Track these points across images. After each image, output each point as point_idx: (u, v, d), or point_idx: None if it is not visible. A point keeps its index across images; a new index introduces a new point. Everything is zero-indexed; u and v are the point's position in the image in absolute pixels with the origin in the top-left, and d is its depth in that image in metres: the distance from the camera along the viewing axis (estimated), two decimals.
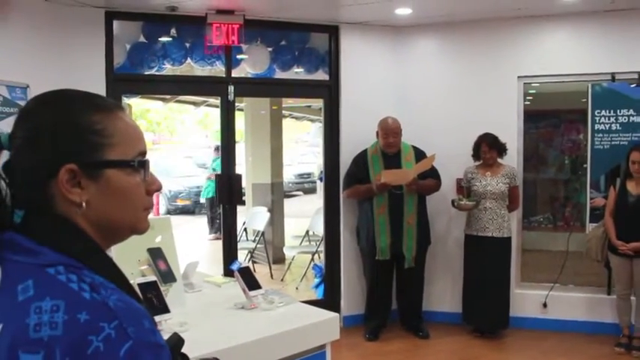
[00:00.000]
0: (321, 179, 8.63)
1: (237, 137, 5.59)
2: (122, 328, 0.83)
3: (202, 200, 11.23)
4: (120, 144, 0.96)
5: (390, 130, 5.05)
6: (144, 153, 1.01)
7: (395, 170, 4.95)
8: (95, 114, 0.95)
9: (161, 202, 12.07)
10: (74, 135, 0.93)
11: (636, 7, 4.90)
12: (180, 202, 12.33)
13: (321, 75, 5.71)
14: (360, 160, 5.16)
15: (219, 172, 10.09)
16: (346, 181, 5.28)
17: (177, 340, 1.09)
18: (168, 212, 11.58)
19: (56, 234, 0.92)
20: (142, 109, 16.29)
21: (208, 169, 10.46)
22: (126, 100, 5.91)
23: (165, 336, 1.02)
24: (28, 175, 0.93)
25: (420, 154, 5.09)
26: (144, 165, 1.00)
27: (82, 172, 0.93)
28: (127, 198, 0.98)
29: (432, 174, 5.09)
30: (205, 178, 10.54)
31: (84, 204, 0.93)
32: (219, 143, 10.91)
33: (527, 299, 5.36)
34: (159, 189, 1.04)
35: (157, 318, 1.79)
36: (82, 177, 0.93)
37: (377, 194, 4.96)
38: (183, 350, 1.11)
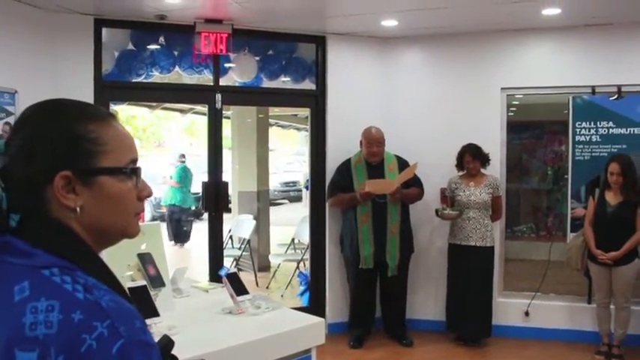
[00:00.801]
0: (307, 188, 8.67)
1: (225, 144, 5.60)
2: (114, 328, 0.86)
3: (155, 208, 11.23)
4: (113, 151, 1.00)
5: (373, 140, 5.09)
6: (135, 160, 1.04)
7: (379, 180, 4.99)
8: (89, 123, 0.99)
9: (147, 208, 12.01)
10: (69, 143, 0.96)
11: (616, 22, 5.01)
12: (165, 209, 12.27)
13: (308, 84, 5.75)
14: (344, 168, 5.20)
15: (177, 180, 10.12)
16: (330, 190, 5.31)
17: (167, 342, 1.12)
18: (154, 219, 11.54)
19: (51, 237, 0.95)
20: (127, 116, 16.23)
21: (173, 176, 10.38)
22: (113, 107, 5.91)
23: (156, 339, 1.05)
24: (24, 181, 0.96)
25: (403, 164, 5.14)
26: (136, 172, 1.03)
27: (76, 178, 0.96)
28: (119, 203, 1.01)
29: (415, 182, 5.14)
30: (168, 186, 10.42)
31: (78, 209, 0.96)
32: (183, 152, 10.92)
33: (509, 308, 5.42)
34: (149, 195, 1.08)
35: (146, 321, 1.81)
36: (76, 183, 0.96)
37: (360, 203, 5.00)
38: (172, 352, 1.14)
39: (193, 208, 11.53)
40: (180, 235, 10.27)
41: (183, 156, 10.63)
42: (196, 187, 10.62)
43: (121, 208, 1.02)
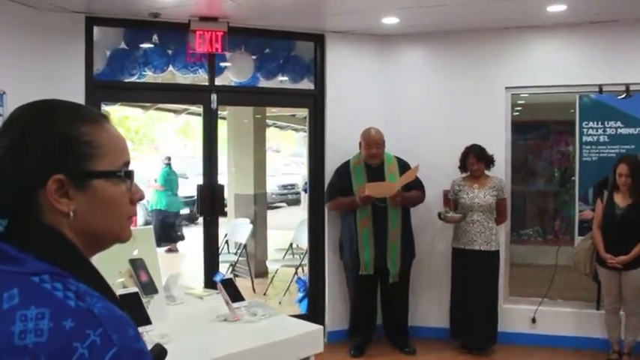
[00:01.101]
0: (305, 190, 8.66)
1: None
2: (107, 335, 0.86)
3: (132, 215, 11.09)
4: (107, 154, 1.01)
5: (372, 141, 5.10)
6: (128, 163, 1.05)
7: (379, 183, 4.99)
8: (83, 125, 0.99)
9: (139, 212, 12.00)
10: (63, 145, 0.97)
11: (621, 19, 5.02)
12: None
13: (306, 84, 5.78)
14: (343, 171, 5.21)
15: (161, 184, 10.07)
16: (329, 193, 5.32)
17: (160, 351, 1.12)
18: (147, 223, 11.53)
19: (42, 243, 0.95)
20: (120, 117, 16.25)
21: (158, 179, 10.33)
22: (104, 108, 5.92)
23: (148, 347, 1.05)
24: (13, 184, 0.96)
25: (403, 166, 5.15)
26: (130, 175, 1.04)
27: (70, 182, 0.96)
28: (113, 207, 1.02)
29: (417, 185, 5.14)
30: (153, 190, 10.35)
31: (71, 213, 0.97)
32: (169, 154, 10.86)
33: (515, 314, 5.42)
34: (142, 198, 1.09)
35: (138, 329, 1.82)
36: (70, 187, 0.97)
37: (360, 207, 5.00)
38: None
39: (185, 211, 11.51)
40: (167, 241, 10.23)
41: (168, 158, 10.61)
42: (191, 191, 10.62)
43: (115, 212, 1.03)
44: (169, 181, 10.26)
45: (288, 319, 2.64)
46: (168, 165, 10.47)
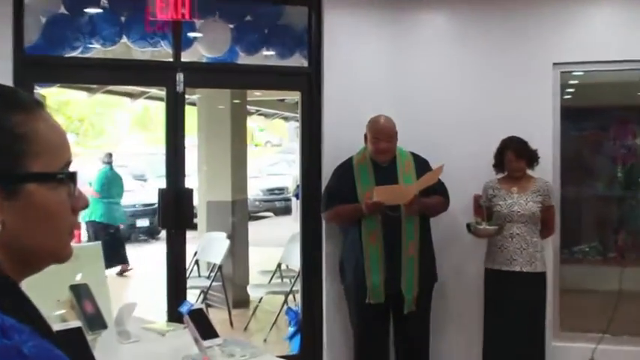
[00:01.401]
0: (297, 196, 8.69)
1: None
2: None
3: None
4: (45, 152, 1.02)
5: (382, 133, 5.10)
6: (70, 162, 1.07)
7: (391, 186, 5.00)
8: (14, 114, 1.00)
9: (84, 225, 12.01)
10: None
11: None
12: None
13: (298, 60, 5.80)
14: (344, 171, 5.20)
15: (96, 189, 10.02)
16: (326, 200, 5.31)
17: None
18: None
19: None
20: (59, 102, 16.26)
21: (93, 183, 10.27)
22: (38, 91, 5.93)
23: None
24: None
25: (421, 164, 5.15)
26: (72, 177, 1.06)
27: None
28: (51, 218, 1.03)
29: (439, 188, 5.14)
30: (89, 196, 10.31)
31: (0, 226, 0.98)
32: (109, 150, 10.77)
33: (568, 354, 5.44)
34: (86, 206, 1.10)
35: None
36: None
37: (367, 217, 5.01)
38: None
39: (143, 223, 11.48)
40: (109, 262, 10.19)
41: (109, 156, 10.57)
42: (151, 197, 10.62)
43: (54, 225, 1.04)
44: (108, 185, 10.22)
45: None
46: (109, 164, 10.44)
